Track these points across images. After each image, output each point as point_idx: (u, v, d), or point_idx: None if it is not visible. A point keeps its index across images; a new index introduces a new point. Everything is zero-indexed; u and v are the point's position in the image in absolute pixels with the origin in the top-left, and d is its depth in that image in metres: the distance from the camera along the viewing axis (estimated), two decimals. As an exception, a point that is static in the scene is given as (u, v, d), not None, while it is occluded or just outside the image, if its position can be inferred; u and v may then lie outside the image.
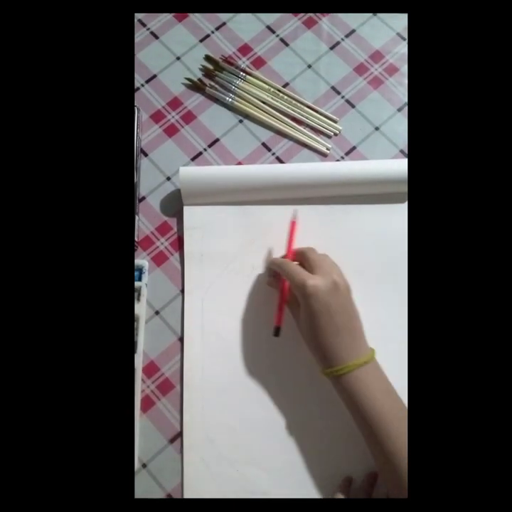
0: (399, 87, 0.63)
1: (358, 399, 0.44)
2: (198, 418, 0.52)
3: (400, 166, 0.56)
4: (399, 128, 0.62)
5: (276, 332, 0.50)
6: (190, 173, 0.56)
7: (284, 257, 0.53)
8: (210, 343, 0.54)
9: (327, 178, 0.57)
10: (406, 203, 0.58)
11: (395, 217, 0.57)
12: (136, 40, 0.64)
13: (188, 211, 0.57)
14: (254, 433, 0.51)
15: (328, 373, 0.46)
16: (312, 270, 0.48)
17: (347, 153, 0.61)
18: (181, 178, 0.55)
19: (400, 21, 0.65)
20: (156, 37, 0.64)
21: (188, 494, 0.50)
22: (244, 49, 0.64)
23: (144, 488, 0.50)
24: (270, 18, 0.65)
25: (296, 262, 0.51)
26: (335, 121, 0.62)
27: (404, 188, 0.57)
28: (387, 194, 0.58)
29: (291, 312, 0.51)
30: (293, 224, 0.54)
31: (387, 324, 0.54)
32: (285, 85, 0.63)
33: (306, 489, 0.50)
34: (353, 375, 0.45)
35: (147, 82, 0.62)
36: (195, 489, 0.50)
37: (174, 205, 0.59)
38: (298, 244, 0.54)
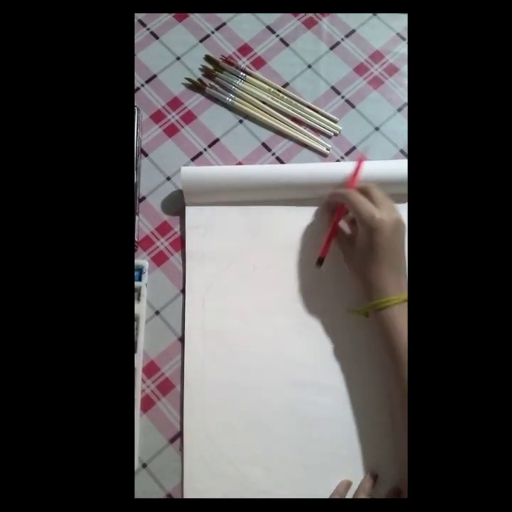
0: (399, 87, 0.63)
1: (394, 333, 0.46)
2: (199, 417, 0.52)
3: (401, 167, 0.56)
4: (399, 128, 0.62)
5: (320, 262, 0.52)
6: (192, 173, 0.57)
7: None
8: (211, 342, 0.54)
9: (328, 178, 0.57)
10: (406, 203, 0.58)
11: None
12: (137, 40, 0.64)
13: (189, 211, 0.57)
14: (254, 432, 0.51)
15: (372, 306, 0.48)
16: (374, 204, 0.49)
17: (347, 154, 0.61)
18: (183, 178, 0.56)
19: (400, 21, 0.65)
20: (156, 37, 0.64)
21: (188, 493, 0.50)
22: (245, 49, 0.64)
23: (144, 488, 0.50)
24: (270, 18, 0.65)
25: None
26: (335, 122, 0.62)
27: (404, 190, 0.56)
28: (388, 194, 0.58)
29: (341, 245, 0.53)
30: (360, 160, 0.55)
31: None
32: (285, 85, 0.63)
33: (306, 489, 0.50)
34: (395, 308, 0.46)
35: (147, 82, 0.63)
36: (195, 487, 0.50)
37: (174, 205, 0.59)
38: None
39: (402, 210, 0.57)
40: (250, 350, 0.54)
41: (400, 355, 0.45)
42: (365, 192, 0.51)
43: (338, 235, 0.54)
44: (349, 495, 0.49)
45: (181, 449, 0.51)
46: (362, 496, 0.48)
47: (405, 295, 0.47)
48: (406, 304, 0.47)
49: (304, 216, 0.58)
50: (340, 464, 0.51)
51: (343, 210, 0.54)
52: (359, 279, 0.50)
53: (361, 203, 0.49)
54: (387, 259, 0.48)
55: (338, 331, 0.54)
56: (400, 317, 0.46)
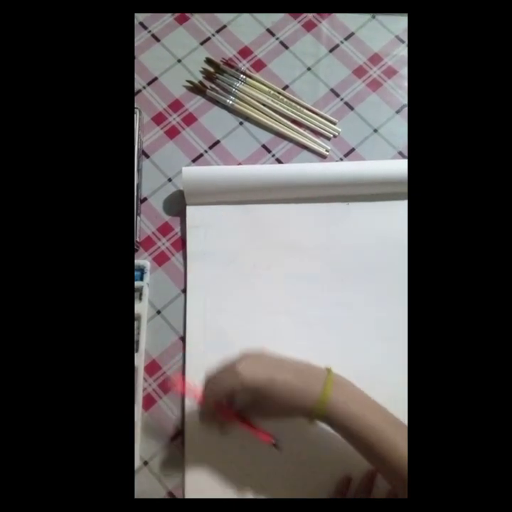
0: (397, 90, 0.64)
1: (349, 425, 0.42)
2: (199, 409, 0.52)
3: (400, 167, 0.57)
4: (397, 130, 0.62)
5: (276, 446, 0.46)
6: (193, 173, 0.57)
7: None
8: (212, 340, 0.54)
9: (328, 178, 0.57)
10: (406, 200, 0.58)
11: (396, 215, 0.58)
12: (138, 42, 0.64)
13: (190, 210, 0.58)
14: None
15: (311, 419, 0.44)
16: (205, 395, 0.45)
17: (346, 155, 0.61)
18: (184, 178, 0.56)
19: (399, 24, 0.66)
20: (157, 40, 0.64)
21: (189, 488, 0.50)
22: (245, 52, 0.65)
23: (145, 486, 0.51)
24: (270, 21, 0.65)
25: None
26: (334, 123, 0.62)
27: (405, 189, 0.57)
28: (388, 193, 0.58)
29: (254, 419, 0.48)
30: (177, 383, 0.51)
31: (387, 322, 0.55)
32: (285, 88, 0.63)
33: (305, 486, 0.50)
34: (332, 405, 0.42)
35: (148, 84, 0.63)
36: (196, 484, 0.50)
37: (175, 205, 0.59)
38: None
39: (403, 207, 0.57)
40: (251, 349, 0.54)
41: (363, 437, 0.42)
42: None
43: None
44: (350, 491, 0.49)
45: (182, 446, 0.52)
46: (361, 493, 0.48)
47: (327, 384, 0.43)
48: (335, 389, 0.43)
49: (304, 215, 0.58)
50: (339, 462, 0.51)
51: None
52: (272, 415, 0.46)
53: (215, 384, 0.44)
54: (284, 385, 0.43)
55: (339, 329, 0.55)
56: (341, 405, 0.43)
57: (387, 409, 0.45)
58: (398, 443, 0.41)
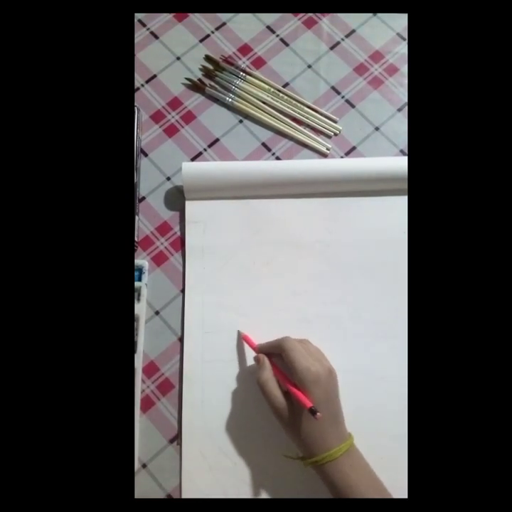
0: (399, 87, 0.63)
1: (341, 486, 0.43)
2: (198, 413, 0.52)
3: (400, 163, 0.57)
4: (399, 128, 0.62)
5: (314, 412, 0.44)
6: (193, 168, 0.57)
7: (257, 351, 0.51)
8: (210, 337, 0.54)
9: (328, 175, 0.57)
10: (406, 196, 0.58)
11: (396, 211, 0.58)
12: (136, 40, 0.64)
13: (189, 206, 0.58)
14: (253, 428, 0.51)
15: (312, 462, 0.45)
16: (298, 359, 0.46)
17: (347, 153, 0.61)
18: (184, 173, 0.56)
19: (400, 21, 0.65)
20: (156, 37, 0.64)
21: (186, 488, 0.50)
22: (244, 49, 0.64)
23: (144, 488, 0.50)
24: (270, 18, 0.65)
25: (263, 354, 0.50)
26: (335, 121, 0.62)
27: (405, 185, 0.57)
28: (387, 189, 0.58)
29: (269, 400, 0.47)
30: (246, 337, 0.53)
31: (387, 318, 0.55)
32: (285, 85, 0.63)
33: (302, 484, 0.50)
34: (338, 462, 0.44)
35: (147, 82, 0.62)
36: (193, 483, 0.50)
37: (174, 205, 0.59)
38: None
39: (403, 202, 0.57)
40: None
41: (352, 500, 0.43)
42: (279, 347, 0.48)
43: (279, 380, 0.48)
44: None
45: (180, 444, 0.51)
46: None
47: (345, 445, 0.44)
48: (348, 454, 0.44)
49: (303, 210, 0.58)
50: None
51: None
52: (293, 434, 0.46)
53: (297, 353, 0.46)
54: (326, 414, 0.44)
55: (339, 325, 0.55)
56: (346, 467, 0.44)
57: (380, 481, 0.45)
58: (365, 494, 0.43)
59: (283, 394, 0.47)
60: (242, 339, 0.54)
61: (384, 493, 0.45)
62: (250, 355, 0.54)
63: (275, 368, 0.49)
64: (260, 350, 0.51)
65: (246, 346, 0.54)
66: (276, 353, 0.49)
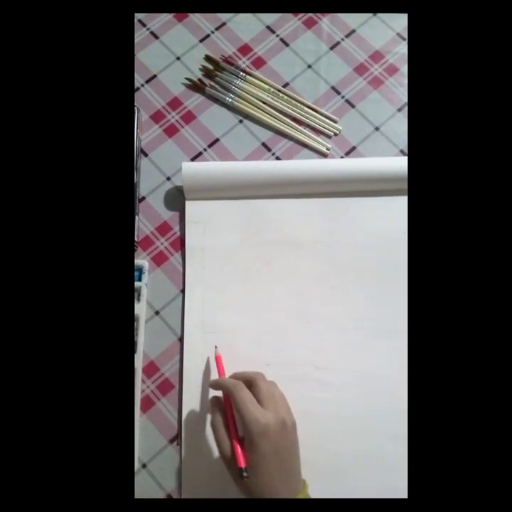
0: (399, 87, 0.63)
1: None
2: (198, 413, 0.52)
3: (400, 164, 0.57)
4: (399, 128, 0.62)
5: (242, 474, 0.42)
6: (193, 168, 0.57)
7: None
8: (210, 337, 0.54)
9: (328, 175, 0.57)
10: (406, 196, 0.58)
11: (396, 210, 0.58)
12: (136, 40, 0.64)
13: (189, 206, 0.58)
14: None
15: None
16: (260, 401, 0.44)
17: (347, 153, 0.61)
18: (184, 174, 0.56)
19: (400, 21, 0.65)
20: (156, 37, 0.64)
21: (186, 486, 0.50)
22: (244, 49, 0.64)
23: (144, 488, 0.50)
24: (270, 18, 0.65)
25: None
26: (335, 121, 0.62)
27: (405, 185, 0.57)
28: (387, 190, 0.58)
29: (224, 461, 0.45)
30: (218, 358, 0.51)
31: (387, 318, 0.55)
32: (285, 85, 0.63)
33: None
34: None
35: (147, 82, 0.62)
36: (193, 484, 0.50)
37: (174, 205, 0.59)
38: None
39: (403, 202, 0.57)
40: (249, 345, 0.54)
41: None
42: (250, 384, 0.46)
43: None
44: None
45: (180, 445, 0.51)
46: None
47: (299, 495, 0.43)
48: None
49: (304, 210, 0.58)
50: (339, 459, 0.51)
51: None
52: (243, 488, 0.43)
53: (247, 403, 0.43)
54: (276, 468, 0.42)
55: (338, 325, 0.55)
56: None
57: None
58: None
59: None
60: (214, 356, 0.51)
61: None
62: (251, 355, 0.53)
63: (228, 413, 0.46)
64: (217, 385, 0.48)
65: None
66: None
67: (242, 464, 0.42)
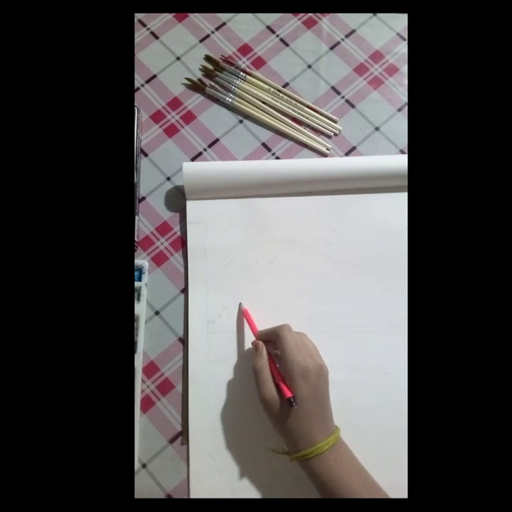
0: (399, 87, 0.63)
1: (326, 479, 0.44)
2: (203, 412, 0.52)
3: (402, 161, 0.57)
4: (399, 128, 0.62)
5: (291, 403, 0.45)
6: (193, 168, 0.57)
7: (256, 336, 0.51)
8: (214, 336, 0.54)
9: (329, 173, 0.57)
10: (406, 193, 0.58)
11: (397, 207, 0.58)
12: (136, 40, 0.64)
13: (191, 206, 0.58)
14: (258, 426, 0.51)
15: (297, 457, 0.45)
16: (289, 351, 0.46)
17: (347, 154, 0.61)
18: (185, 174, 0.56)
19: (400, 21, 0.65)
20: (156, 37, 0.64)
21: (194, 487, 0.50)
22: (244, 49, 0.64)
23: (144, 488, 0.50)
24: (270, 18, 0.65)
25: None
26: (335, 121, 0.62)
27: (405, 182, 0.57)
28: (388, 187, 0.58)
29: (262, 396, 0.47)
30: (245, 311, 0.53)
31: (390, 316, 0.55)
32: (285, 85, 0.63)
33: (308, 483, 0.50)
34: (323, 456, 0.44)
35: (147, 82, 0.62)
36: (201, 481, 0.50)
37: (174, 205, 0.59)
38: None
39: (404, 198, 0.58)
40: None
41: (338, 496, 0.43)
42: (275, 335, 0.48)
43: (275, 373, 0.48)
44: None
45: (186, 445, 0.51)
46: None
47: (333, 439, 0.45)
48: (334, 448, 0.45)
49: (305, 209, 0.58)
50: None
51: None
52: (280, 428, 0.46)
53: (290, 344, 0.46)
54: (314, 409, 0.45)
55: (341, 323, 0.55)
56: (331, 461, 0.44)
57: (370, 475, 0.46)
58: (355, 491, 0.43)
59: (275, 386, 0.47)
60: (242, 313, 0.54)
61: (371, 486, 0.45)
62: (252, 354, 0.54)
63: (269, 357, 0.49)
64: (259, 336, 0.51)
65: (245, 323, 0.54)
66: (273, 341, 0.49)
67: (290, 394, 0.45)
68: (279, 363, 0.48)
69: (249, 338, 0.54)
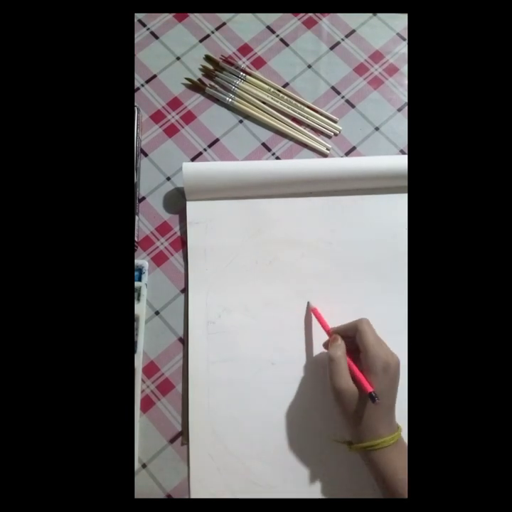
0: (399, 87, 0.63)
1: (388, 471, 0.44)
2: (204, 412, 0.52)
3: (403, 161, 0.57)
4: (399, 128, 0.62)
5: (373, 398, 0.44)
6: (193, 168, 0.57)
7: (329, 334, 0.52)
8: (215, 337, 0.54)
9: (330, 173, 0.57)
10: (406, 193, 0.58)
11: (398, 208, 0.58)
12: (137, 40, 0.64)
13: (191, 207, 0.58)
14: (259, 426, 0.52)
15: (361, 447, 0.46)
16: (372, 346, 0.47)
17: (347, 154, 0.61)
18: (184, 174, 0.56)
19: (400, 21, 0.65)
20: (156, 37, 0.64)
21: (194, 487, 0.50)
22: (244, 49, 0.64)
23: (144, 488, 0.51)
24: (270, 18, 0.65)
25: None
26: (335, 122, 0.62)
27: (405, 183, 0.57)
28: (389, 187, 0.58)
29: (333, 380, 0.47)
30: (315, 310, 0.54)
31: (391, 315, 0.54)
32: (285, 85, 0.63)
33: (309, 483, 0.50)
34: (386, 450, 0.45)
35: (147, 82, 0.62)
36: (201, 481, 0.50)
37: (174, 205, 0.59)
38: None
39: (405, 199, 0.58)
40: (253, 344, 0.54)
41: (396, 493, 0.44)
42: (355, 329, 0.48)
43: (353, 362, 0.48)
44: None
45: (186, 445, 0.51)
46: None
47: (396, 436, 0.46)
48: (397, 443, 0.45)
49: (305, 209, 0.58)
50: (343, 458, 0.51)
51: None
52: (349, 417, 0.47)
53: (373, 338, 0.47)
54: (387, 403, 0.46)
55: (342, 323, 0.54)
56: (393, 454, 0.45)
57: None
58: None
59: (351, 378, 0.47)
60: (310, 311, 0.54)
61: None
62: (255, 354, 0.54)
63: (347, 350, 0.49)
64: (335, 331, 0.51)
65: (314, 321, 0.54)
66: (347, 336, 0.49)
67: (371, 389, 0.45)
68: (352, 357, 0.48)
69: (318, 339, 0.54)
